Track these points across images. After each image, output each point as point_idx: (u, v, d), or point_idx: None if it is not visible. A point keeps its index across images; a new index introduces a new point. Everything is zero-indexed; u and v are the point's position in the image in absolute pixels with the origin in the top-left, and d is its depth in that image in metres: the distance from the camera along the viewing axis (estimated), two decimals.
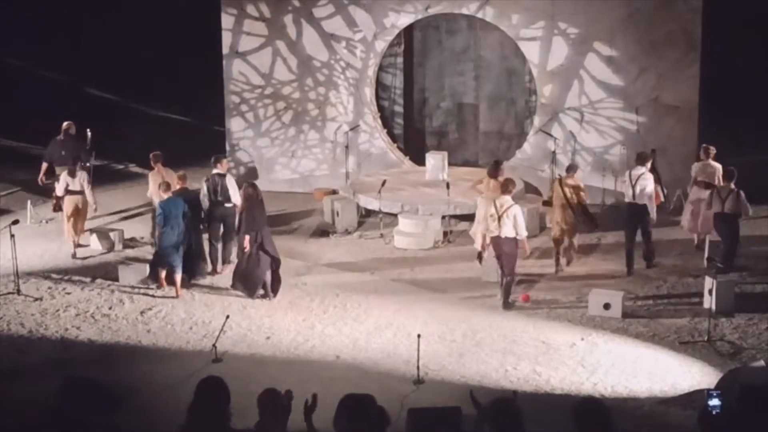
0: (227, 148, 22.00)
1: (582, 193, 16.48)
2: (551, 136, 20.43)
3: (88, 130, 19.46)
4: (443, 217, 18.53)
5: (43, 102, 24.43)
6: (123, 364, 13.24)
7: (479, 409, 7.44)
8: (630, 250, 16.46)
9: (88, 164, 18.97)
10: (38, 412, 6.14)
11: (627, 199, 16.52)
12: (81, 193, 17.58)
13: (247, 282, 15.54)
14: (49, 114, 23.82)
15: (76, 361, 13.17)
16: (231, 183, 16.62)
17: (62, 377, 6.57)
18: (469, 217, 18.82)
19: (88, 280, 16.42)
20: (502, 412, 6.71)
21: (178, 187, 16.40)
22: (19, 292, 15.74)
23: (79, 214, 17.67)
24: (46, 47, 26.08)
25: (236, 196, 16.29)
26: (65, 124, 19.05)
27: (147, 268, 16.24)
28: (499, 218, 14.76)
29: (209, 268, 16.64)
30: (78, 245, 17.71)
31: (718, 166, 16.83)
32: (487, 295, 15.66)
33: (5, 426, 5.49)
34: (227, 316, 14.17)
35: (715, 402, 6.96)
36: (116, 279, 16.33)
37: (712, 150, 17.20)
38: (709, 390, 7.50)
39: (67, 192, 17.53)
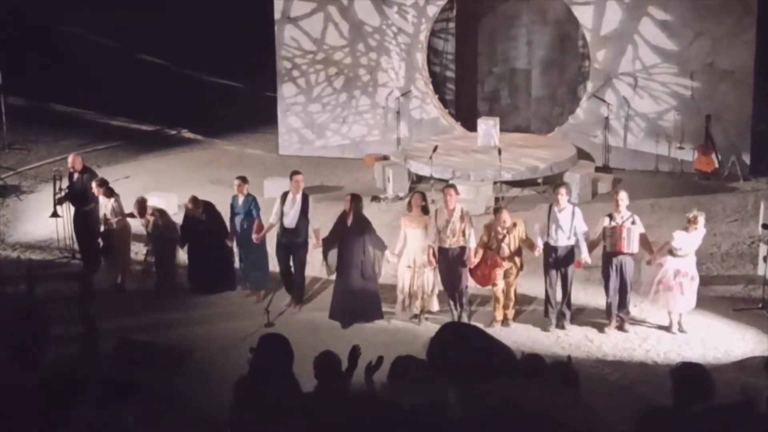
0: (278, 114, 22.06)
1: None
2: (604, 101, 20.26)
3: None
4: (495, 183, 18.47)
5: (97, 68, 24.63)
6: (177, 328, 13.38)
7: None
8: None
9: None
10: (92, 375, 6.21)
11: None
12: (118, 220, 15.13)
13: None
14: (103, 80, 24.06)
15: (130, 325, 13.30)
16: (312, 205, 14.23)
17: (117, 340, 6.65)
18: (521, 183, 18.78)
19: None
20: (559, 375, 6.71)
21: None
22: (74, 256, 15.94)
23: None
24: (99, 15, 26.24)
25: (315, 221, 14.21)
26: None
27: None
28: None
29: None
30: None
31: None
32: (538, 259, 15.60)
33: (60, 391, 5.57)
34: (280, 281, 14.24)
35: None
36: None
37: None
38: None
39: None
